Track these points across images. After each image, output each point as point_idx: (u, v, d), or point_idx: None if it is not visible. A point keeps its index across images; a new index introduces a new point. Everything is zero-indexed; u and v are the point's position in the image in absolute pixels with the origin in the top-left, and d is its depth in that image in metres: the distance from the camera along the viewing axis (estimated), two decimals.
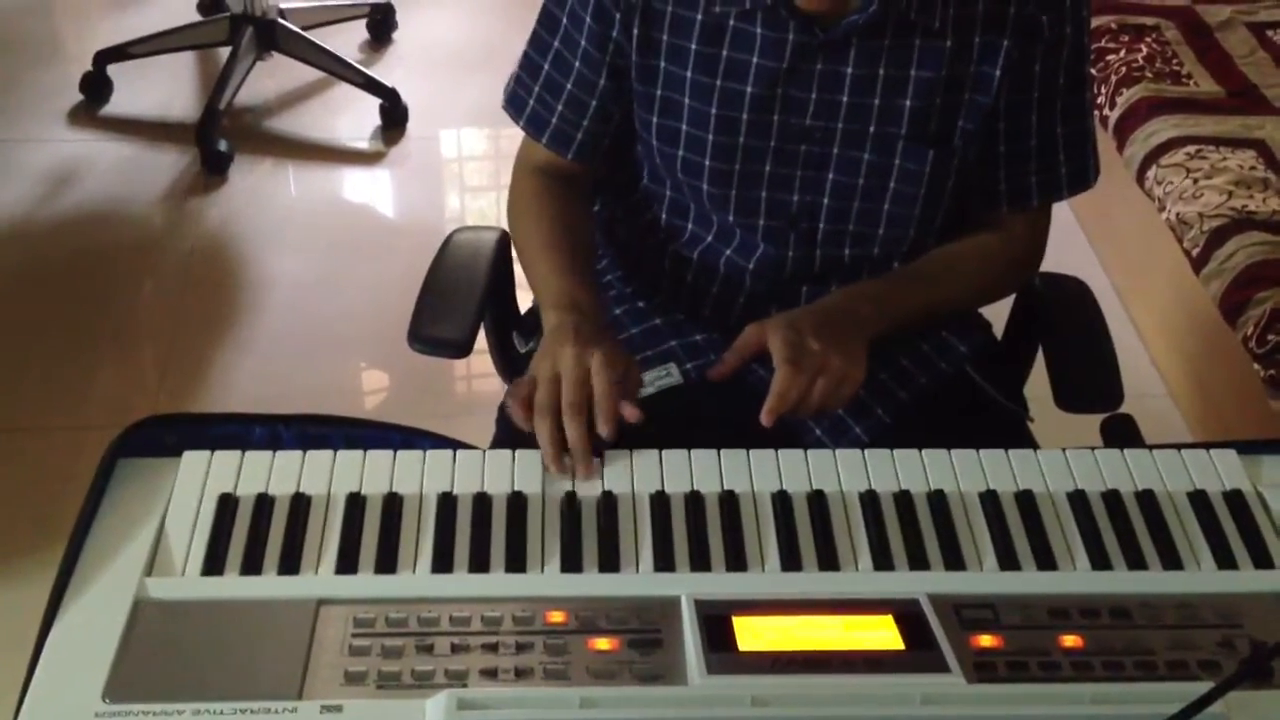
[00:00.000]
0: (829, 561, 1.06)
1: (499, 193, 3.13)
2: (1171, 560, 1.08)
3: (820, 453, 1.15)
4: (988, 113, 1.29)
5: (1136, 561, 1.07)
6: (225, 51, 3.23)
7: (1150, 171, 2.51)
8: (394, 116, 3.25)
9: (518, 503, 1.09)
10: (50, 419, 2.43)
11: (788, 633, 0.97)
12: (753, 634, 0.97)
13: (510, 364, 1.59)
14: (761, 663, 0.94)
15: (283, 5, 3.31)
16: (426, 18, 3.69)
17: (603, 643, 0.97)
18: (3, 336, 2.60)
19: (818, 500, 1.11)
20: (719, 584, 1.03)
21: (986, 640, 0.98)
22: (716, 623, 0.97)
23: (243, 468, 1.11)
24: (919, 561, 1.06)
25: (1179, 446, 1.19)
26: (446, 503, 1.09)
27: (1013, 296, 1.57)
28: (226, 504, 1.08)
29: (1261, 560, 1.08)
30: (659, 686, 0.94)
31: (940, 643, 0.96)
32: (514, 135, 1.44)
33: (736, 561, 1.05)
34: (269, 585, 1.01)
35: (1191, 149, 2.49)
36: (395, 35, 3.61)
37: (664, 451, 1.15)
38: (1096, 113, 2.65)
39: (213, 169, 3.06)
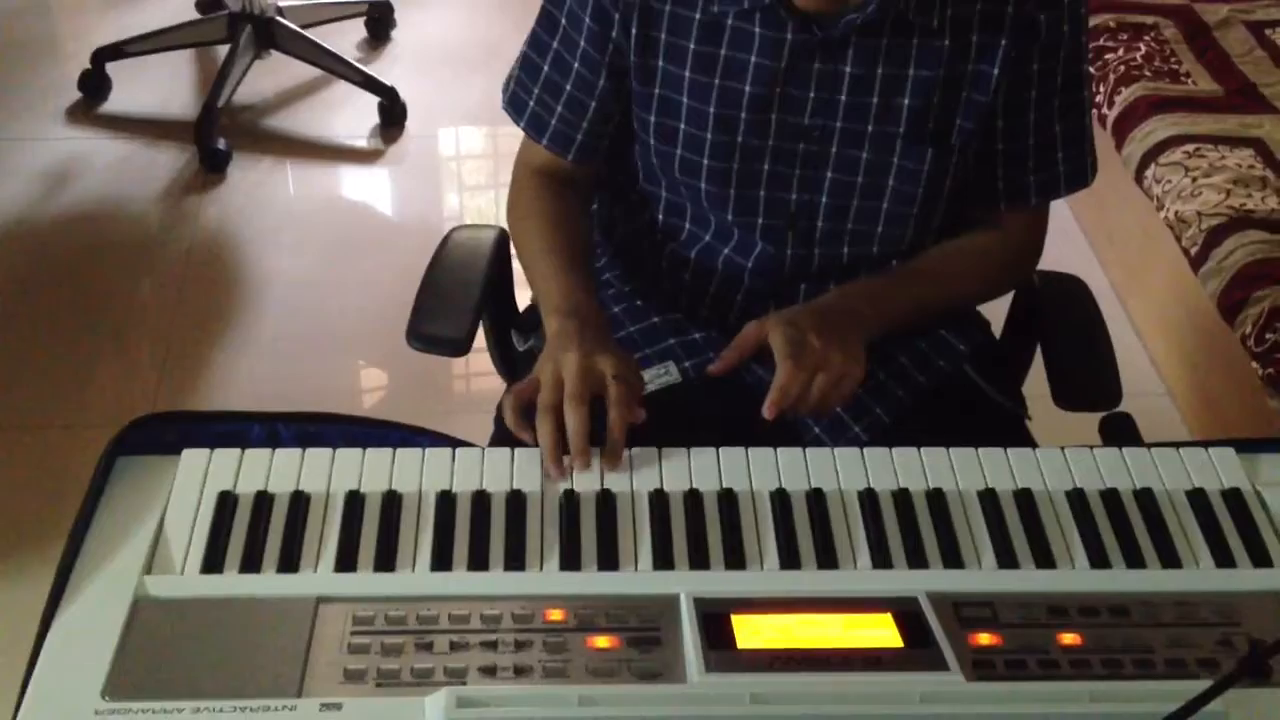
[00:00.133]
0: (828, 560, 1.06)
1: (497, 191, 3.13)
2: (1170, 559, 1.08)
3: (819, 451, 1.15)
4: (986, 111, 1.30)
5: (1135, 560, 1.07)
6: (224, 49, 3.22)
7: (1149, 170, 2.51)
8: (392, 115, 3.24)
9: (517, 501, 1.09)
10: (49, 417, 2.43)
11: (786, 631, 0.97)
12: (752, 632, 0.97)
13: (509, 362, 1.59)
14: (760, 661, 0.94)
15: (281, 3, 3.31)
16: (425, 16, 3.69)
17: (602, 641, 0.97)
18: (2, 335, 2.60)
19: (817, 499, 1.11)
20: (718, 582, 1.03)
21: (985, 638, 0.98)
22: (715, 621, 0.97)
23: (242, 466, 1.11)
24: (918, 560, 1.06)
25: (1177, 445, 1.19)
26: (445, 501, 1.09)
27: (1011, 295, 1.57)
28: (225, 502, 1.08)
29: (1260, 559, 1.08)
30: (658, 684, 0.94)
31: (939, 641, 0.97)
32: (512, 134, 1.44)
33: (735, 560, 1.05)
34: (268, 583, 1.01)
35: (1190, 148, 2.49)
36: (394, 34, 3.60)
37: (663, 450, 1.15)
38: (1095, 111, 2.67)
39: (211, 167, 3.06)
